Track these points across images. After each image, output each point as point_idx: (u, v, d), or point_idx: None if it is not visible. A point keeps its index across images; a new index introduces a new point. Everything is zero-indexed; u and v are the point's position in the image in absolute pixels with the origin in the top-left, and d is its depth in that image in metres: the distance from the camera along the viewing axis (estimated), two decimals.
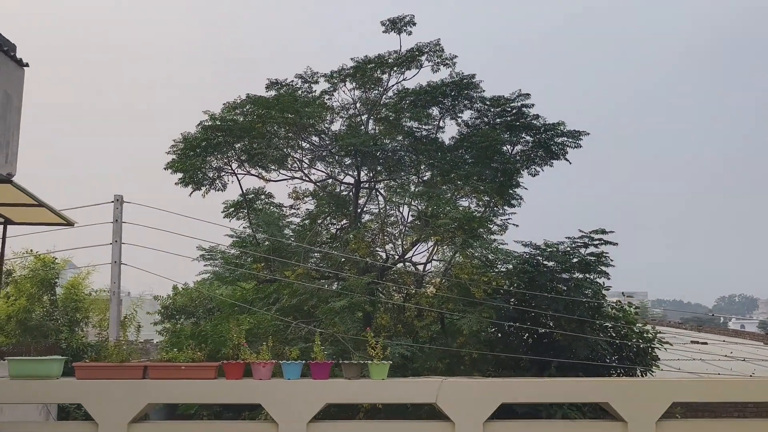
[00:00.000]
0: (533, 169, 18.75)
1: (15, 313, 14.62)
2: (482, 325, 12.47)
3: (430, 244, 13.93)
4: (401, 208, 14.49)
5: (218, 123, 14.46)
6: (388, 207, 15.58)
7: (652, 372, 15.75)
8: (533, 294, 14.71)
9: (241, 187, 16.15)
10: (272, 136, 15.35)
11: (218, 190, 15.58)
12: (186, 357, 7.13)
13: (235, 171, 16.04)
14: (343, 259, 15.17)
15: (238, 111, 15.51)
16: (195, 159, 14.57)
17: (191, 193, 15.11)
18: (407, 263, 14.74)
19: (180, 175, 15.11)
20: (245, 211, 17.27)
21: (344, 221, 17.43)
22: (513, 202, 17.45)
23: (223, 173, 15.74)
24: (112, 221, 12.23)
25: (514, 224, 15.67)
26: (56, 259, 15.72)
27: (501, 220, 15.68)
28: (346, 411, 10.60)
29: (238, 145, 15.67)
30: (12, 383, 6.84)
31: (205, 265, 20.25)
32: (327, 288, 12.79)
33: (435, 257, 14.27)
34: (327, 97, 17.11)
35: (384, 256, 15.25)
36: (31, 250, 15.44)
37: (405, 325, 13.04)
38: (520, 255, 14.09)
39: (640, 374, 15.91)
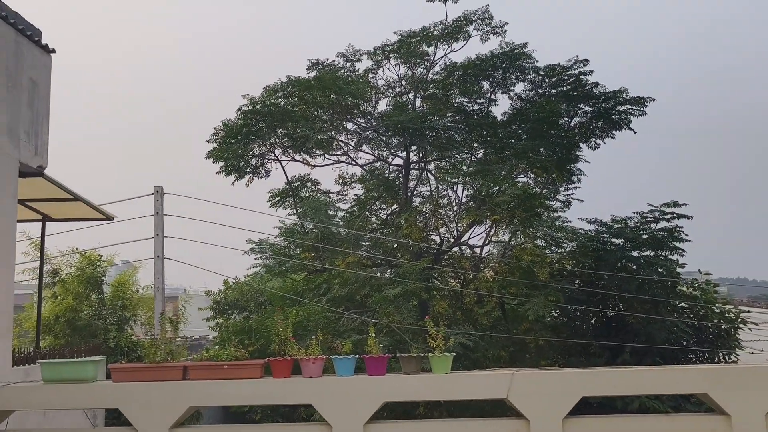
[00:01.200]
0: (593, 142, 17.66)
1: (63, 313, 14.47)
2: (548, 310, 11.62)
3: (487, 225, 13.09)
4: (455, 189, 13.70)
5: (258, 107, 13.92)
6: (440, 188, 14.80)
7: (737, 356, 14.60)
8: (601, 275, 13.77)
9: (285, 174, 15.65)
10: (315, 119, 14.75)
11: (261, 177, 15.09)
12: (229, 355, 6.56)
13: (279, 157, 15.51)
14: (395, 245, 14.50)
15: (279, 94, 14.95)
16: (236, 146, 14.08)
17: (234, 181, 14.66)
18: (463, 247, 13.95)
19: (221, 164, 14.63)
20: (291, 199, 16.76)
21: (394, 206, 16.74)
22: (573, 177, 16.42)
23: (267, 160, 15.22)
24: (152, 214, 11.83)
25: (578, 199, 14.66)
26: (102, 256, 15.53)
27: (564, 196, 14.69)
28: (403, 405, 9.97)
29: (281, 130, 15.13)
30: (45, 388, 6.41)
31: (255, 258, 20.01)
32: (380, 276, 12.13)
33: (493, 239, 13.42)
34: (371, 75, 16.40)
35: (438, 240, 14.49)
36: (77, 248, 15.29)
37: (464, 313, 12.28)
38: (586, 233, 13.12)
39: (723, 359, 14.76)
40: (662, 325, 13.41)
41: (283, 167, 15.48)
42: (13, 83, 8.11)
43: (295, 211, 16.10)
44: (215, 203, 11.77)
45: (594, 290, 12.81)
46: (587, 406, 7.48)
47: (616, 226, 14.07)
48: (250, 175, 15.21)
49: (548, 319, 13.06)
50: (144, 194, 11.89)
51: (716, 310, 14.64)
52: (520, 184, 12.48)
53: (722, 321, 14.51)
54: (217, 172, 14.38)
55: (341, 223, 16.22)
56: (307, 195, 17.05)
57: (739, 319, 14.77)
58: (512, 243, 12.85)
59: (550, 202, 13.73)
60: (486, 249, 13.69)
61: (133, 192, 11.72)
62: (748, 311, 15.68)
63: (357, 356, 6.69)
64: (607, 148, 17.20)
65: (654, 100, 16.42)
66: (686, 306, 14.83)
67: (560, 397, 6.40)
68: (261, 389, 6.44)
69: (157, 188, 11.90)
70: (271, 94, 14.60)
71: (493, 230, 12.62)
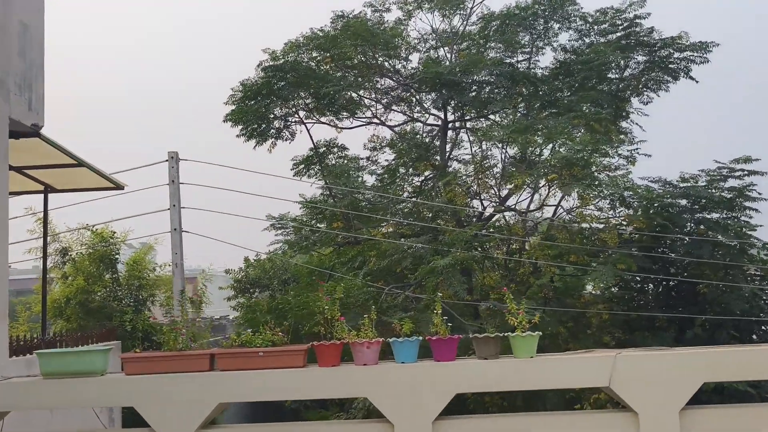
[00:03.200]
0: (645, 96, 16.29)
1: (74, 295, 13.52)
2: (617, 280, 10.44)
3: (540, 186, 11.85)
4: (502, 147, 12.43)
5: (281, 62, 12.73)
6: (483, 148, 13.57)
7: None
8: (663, 240, 12.54)
9: (311, 137, 14.49)
10: (342, 78, 13.53)
11: (286, 140, 13.95)
12: (264, 340, 5.48)
13: (303, 120, 14.35)
14: (432, 213, 13.32)
15: (302, 50, 13.74)
16: (257, 107, 12.93)
17: (255, 146, 13.54)
18: (511, 213, 12.74)
19: (241, 128, 13.49)
20: (317, 167, 15.61)
21: (428, 172, 15.55)
22: (628, 135, 15.09)
23: (290, 122, 14.07)
24: (168, 183, 10.76)
25: (645, 154, 13.32)
26: (115, 232, 14.56)
27: (628, 150, 13.39)
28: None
29: (303, 91, 13.95)
30: (45, 384, 5.38)
31: (276, 235, 18.92)
32: (423, 246, 10.99)
33: (546, 203, 12.19)
34: (401, 28, 15.09)
35: (482, 206, 13.31)
36: (87, 225, 14.30)
37: (520, 284, 11.13)
38: (656, 192, 11.85)
39: None
40: (739, 294, 12.16)
41: (308, 130, 14.35)
42: (0, 27, 7.00)
43: (322, 177, 14.95)
44: (234, 168, 10.64)
45: (663, 256, 11.57)
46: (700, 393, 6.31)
47: (682, 185, 12.76)
48: (273, 139, 14.08)
49: (614, 289, 11.88)
50: (158, 161, 10.82)
51: None
52: (578, 138, 11.18)
53: None
54: (237, 135, 13.25)
55: (371, 192, 15.06)
56: (334, 162, 15.85)
57: None
58: (572, 205, 11.63)
59: (612, 159, 12.50)
60: (537, 214, 12.46)
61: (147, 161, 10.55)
62: None
63: (420, 338, 5.58)
64: (665, 100, 15.80)
65: (718, 44, 14.99)
66: (757, 273, 13.57)
67: (676, 384, 5.25)
68: (306, 380, 5.36)
69: (172, 154, 10.84)
70: (293, 48, 13.39)
71: (549, 191, 11.39)
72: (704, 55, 14.94)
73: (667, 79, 15.46)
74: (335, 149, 16.04)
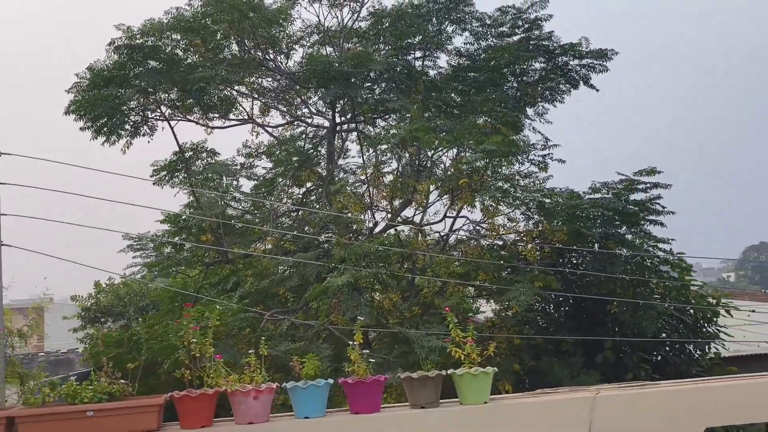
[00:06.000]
0: (540, 107, 15.74)
1: None
2: (536, 299, 9.40)
3: (446, 195, 10.65)
4: (402, 150, 11.13)
5: (139, 41, 10.80)
6: (378, 152, 12.25)
7: (725, 347, 13.02)
8: (575, 254, 11.76)
9: (176, 138, 12.51)
10: (214, 67, 11.74)
11: (144, 135, 11.89)
12: (96, 392, 3.72)
13: (167, 117, 12.38)
14: (320, 227, 11.77)
15: (166, 33, 11.83)
16: (108, 96, 10.87)
17: (104, 142, 11.39)
18: (413, 224, 11.45)
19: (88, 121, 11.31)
20: (182, 174, 13.61)
21: (310, 183, 14.04)
22: (530, 144, 14.37)
23: (150, 118, 12.07)
24: None
25: (559, 160, 12.48)
26: None
27: (537, 155, 12.51)
28: None
29: (167, 84, 12.02)
30: None
31: (134, 257, 16.60)
32: (313, 263, 9.39)
33: (450, 213, 11.00)
34: (286, 9, 13.52)
35: (373, 217, 11.93)
36: None
37: (424, 306, 9.80)
38: (578, 199, 10.97)
39: (698, 351, 13.19)
40: (650, 313, 11.54)
41: (172, 128, 12.38)
42: None
43: (187, 186, 12.98)
44: (72, 167, 8.44)
45: (587, 272, 10.70)
46: None
47: (591, 196, 12.04)
48: (128, 138, 11.98)
49: (533, 311, 10.88)
50: None
51: (701, 294, 13.01)
52: (484, 144, 10.08)
53: (707, 306, 12.86)
54: (81, 129, 11.04)
55: (247, 200, 13.31)
56: (203, 168, 13.90)
57: (720, 304, 13.24)
58: (481, 217, 10.48)
59: (523, 165, 11.55)
60: (441, 226, 11.26)
61: None
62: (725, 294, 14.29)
63: (330, 381, 4.04)
64: (560, 110, 15.29)
65: (618, 53, 14.67)
66: (658, 290, 13.13)
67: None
68: None
69: None
70: (155, 30, 11.46)
71: (455, 200, 10.18)
72: (603, 63, 14.55)
73: (567, 87, 14.94)
74: (204, 154, 14.09)
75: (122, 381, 3.84)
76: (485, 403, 4.03)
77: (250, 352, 4.06)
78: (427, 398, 3.99)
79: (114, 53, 10.99)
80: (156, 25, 11.64)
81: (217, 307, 8.07)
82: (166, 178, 13.64)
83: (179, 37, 11.77)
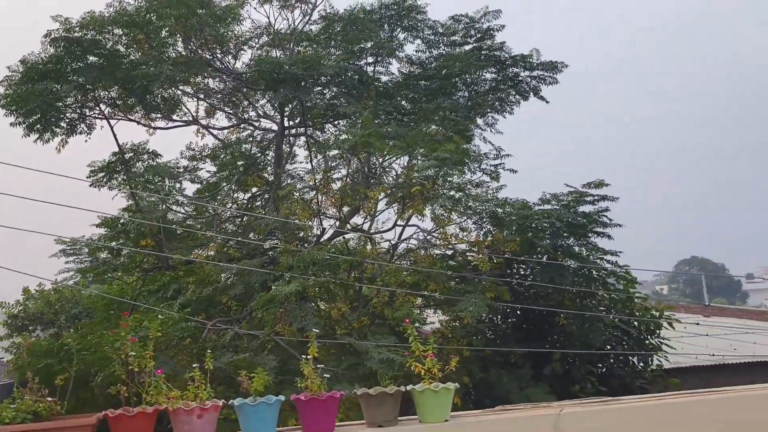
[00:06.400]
0: (489, 118, 15.81)
1: None
2: (487, 311, 9.29)
3: (395, 202, 10.46)
4: (353, 155, 10.91)
5: (78, 34, 10.28)
6: (328, 158, 11.99)
7: (667, 359, 13.25)
8: (523, 264, 11.77)
9: (116, 138, 11.97)
10: (158, 64, 11.30)
11: (81, 133, 11.33)
12: (21, 411, 3.36)
13: (107, 115, 11.84)
14: (266, 233, 11.42)
15: (107, 27, 11.32)
16: (43, 90, 10.30)
17: (37, 139, 10.79)
18: (363, 233, 11.23)
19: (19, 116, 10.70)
20: (122, 175, 13.06)
21: (256, 189, 13.69)
22: (481, 153, 14.38)
23: (88, 116, 11.52)
24: None
25: (511, 170, 12.50)
26: None
27: (490, 165, 12.49)
28: None
29: (107, 80, 11.51)
30: None
31: (66, 262, 15.85)
32: (259, 270, 9.05)
33: (401, 222, 10.81)
34: (231, 16, 13.16)
35: (321, 224, 11.66)
36: None
37: (374, 317, 9.57)
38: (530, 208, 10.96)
39: (641, 363, 13.40)
40: (597, 326, 11.63)
41: (111, 128, 11.85)
42: None
43: (127, 189, 12.44)
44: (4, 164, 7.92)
45: (535, 283, 10.67)
46: None
47: (542, 207, 12.08)
48: (63, 136, 11.39)
49: (483, 322, 10.78)
50: None
51: (645, 306, 13.23)
52: (437, 151, 9.96)
53: (651, 318, 13.06)
54: (12, 125, 10.44)
55: (190, 203, 12.86)
56: (143, 170, 13.36)
57: (663, 316, 13.49)
58: (432, 226, 10.34)
59: (475, 174, 11.49)
60: (391, 234, 11.08)
61: None
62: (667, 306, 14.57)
63: (281, 398, 3.77)
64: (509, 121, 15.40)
65: (567, 66, 14.83)
66: (604, 302, 13.29)
67: None
68: None
69: None
70: (95, 23, 10.94)
71: (405, 208, 10.00)
72: (554, 75, 14.70)
73: (516, 98, 15.04)
74: (145, 155, 13.55)
75: (50, 398, 3.48)
76: (446, 421, 3.83)
77: (194, 366, 3.75)
78: (386, 416, 3.76)
79: (50, 46, 10.44)
80: (97, 18, 11.14)
81: (159, 316, 7.64)
82: (104, 179, 13.08)
83: (121, 32, 11.29)
